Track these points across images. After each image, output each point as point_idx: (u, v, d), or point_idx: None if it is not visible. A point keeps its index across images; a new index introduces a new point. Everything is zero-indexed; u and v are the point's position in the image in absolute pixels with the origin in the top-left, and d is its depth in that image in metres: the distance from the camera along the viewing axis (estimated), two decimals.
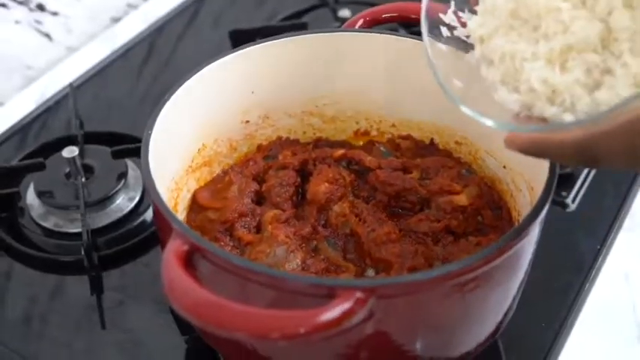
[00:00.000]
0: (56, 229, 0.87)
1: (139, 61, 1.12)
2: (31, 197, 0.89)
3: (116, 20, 1.19)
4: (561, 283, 0.81)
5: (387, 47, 0.78)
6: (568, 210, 0.89)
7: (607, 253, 0.85)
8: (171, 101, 0.72)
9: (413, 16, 0.79)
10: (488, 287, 0.62)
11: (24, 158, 0.94)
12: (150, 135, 0.68)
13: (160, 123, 0.70)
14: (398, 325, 0.60)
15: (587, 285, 0.81)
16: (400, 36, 0.78)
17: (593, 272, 0.82)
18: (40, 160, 0.91)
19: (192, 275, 0.58)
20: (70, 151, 0.88)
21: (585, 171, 0.91)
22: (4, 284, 0.84)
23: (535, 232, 0.64)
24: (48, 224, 0.88)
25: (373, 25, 0.81)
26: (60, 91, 1.05)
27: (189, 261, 0.60)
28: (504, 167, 0.76)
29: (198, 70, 0.74)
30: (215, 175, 0.80)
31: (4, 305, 0.81)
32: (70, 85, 1.00)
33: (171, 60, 1.12)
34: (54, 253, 0.86)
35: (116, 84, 1.08)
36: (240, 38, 1.03)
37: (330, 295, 0.56)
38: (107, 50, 1.12)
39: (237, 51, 0.76)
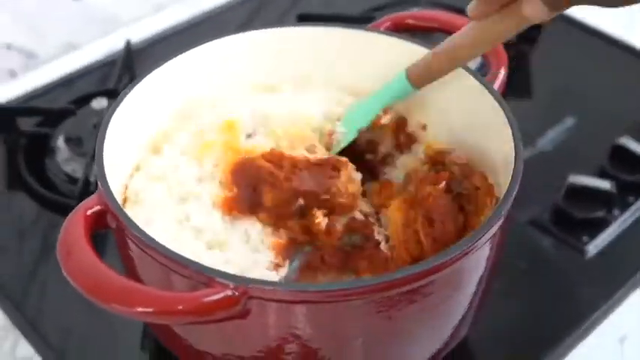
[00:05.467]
0: (74, 174, 0.89)
1: (227, 26, 1.12)
2: (60, 141, 0.92)
3: None
4: (550, 332, 0.75)
5: (395, 50, 0.75)
6: (586, 257, 0.82)
7: (610, 311, 0.78)
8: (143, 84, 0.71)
9: (435, 26, 0.77)
10: (403, 311, 0.59)
11: (72, 103, 0.97)
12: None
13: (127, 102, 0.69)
14: (278, 330, 0.57)
15: (576, 341, 0.75)
16: (407, 41, 0.74)
17: (586, 327, 0.76)
18: (71, 107, 0.94)
19: (89, 239, 0.58)
20: (99, 103, 0.91)
21: (619, 221, 0.84)
22: (19, 222, 0.87)
23: (470, 262, 0.60)
24: (68, 169, 0.90)
25: (399, 29, 0.78)
26: (136, 44, 1.07)
27: (95, 223, 0.60)
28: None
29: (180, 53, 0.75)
30: None
31: (18, 244, 0.84)
32: (127, 41, 1.02)
33: None
34: (69, 197, 0.88)
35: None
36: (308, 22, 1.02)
37: (207, 284, 0.55)
38: (197, 11, 1.14)
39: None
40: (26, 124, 0.95)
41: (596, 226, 0.83)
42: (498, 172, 0.66)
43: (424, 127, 0.76)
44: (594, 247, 0.82)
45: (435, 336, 0.65)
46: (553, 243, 0.83)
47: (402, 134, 0.76)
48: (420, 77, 0.70)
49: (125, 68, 1.00)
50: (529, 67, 1.04)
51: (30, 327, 0.76)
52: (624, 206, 0.85)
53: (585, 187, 0.84)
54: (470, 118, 0.71)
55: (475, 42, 0.66)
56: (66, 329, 0.76)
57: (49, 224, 0.86)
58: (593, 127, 0.94)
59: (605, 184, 0.84)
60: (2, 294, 0.78)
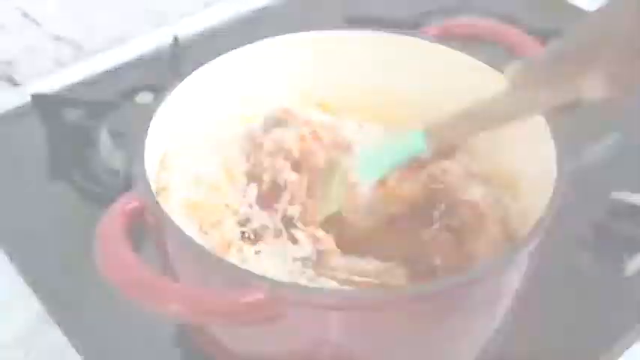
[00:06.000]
0: (116, 167, 0.90)
1: (274, 26, 1.12)
2: (103, 134, 0.93)
3: None
4: (585, 349, 0.75)
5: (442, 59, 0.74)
6: (625, 275, 0.80)
7: None
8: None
9: (480, 34, 0.76)
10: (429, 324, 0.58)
11: (117, 96, 0.98)
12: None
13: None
14: (312, 335, 0.57)
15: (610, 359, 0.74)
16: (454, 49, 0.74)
17: (621, 346, 0.75)
18: (116, 100, 0.94)
19: (127, 234, 0.58)
20: (144, 98, 0.91)
21: None
22: (60, 212, 0.87)
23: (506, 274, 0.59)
24: (110, 161, 0.91)
25: (448, 36, 0.78)
26: (183, 40, 1.07)
27: (134, 218, 0.60)
28: None
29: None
30: None
31: (57, 234, 0.85)
32: (175, 37, 1.03)
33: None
34: (110, 190, 0.88)
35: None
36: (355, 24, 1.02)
37: (242, 286, 0.55)
38: (245, 9, 1.14)
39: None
40: (71, 115, 0.96)
41: (638, 244, 0.82)
42: (539, 188, 0.65)
43: None
44: (634, 265, 0.81)
45: (467, 349, 0.64)
46: (593, 259, 0.82)
47: None
48: (438, 140, 0.64)
49: (171, 64, 1.01)
50: None
51: (65, 317, 0.76)
52: None
53: (628, 204, 0.83)
54: (513, 130, 0.70)
55: (513, 110, 0.59)
56: (101, 321, 0.76)
57: (90, 215, 0.85)
58: (638, 144, 0.93)
59: None
60: (40, 283, 0.79)
